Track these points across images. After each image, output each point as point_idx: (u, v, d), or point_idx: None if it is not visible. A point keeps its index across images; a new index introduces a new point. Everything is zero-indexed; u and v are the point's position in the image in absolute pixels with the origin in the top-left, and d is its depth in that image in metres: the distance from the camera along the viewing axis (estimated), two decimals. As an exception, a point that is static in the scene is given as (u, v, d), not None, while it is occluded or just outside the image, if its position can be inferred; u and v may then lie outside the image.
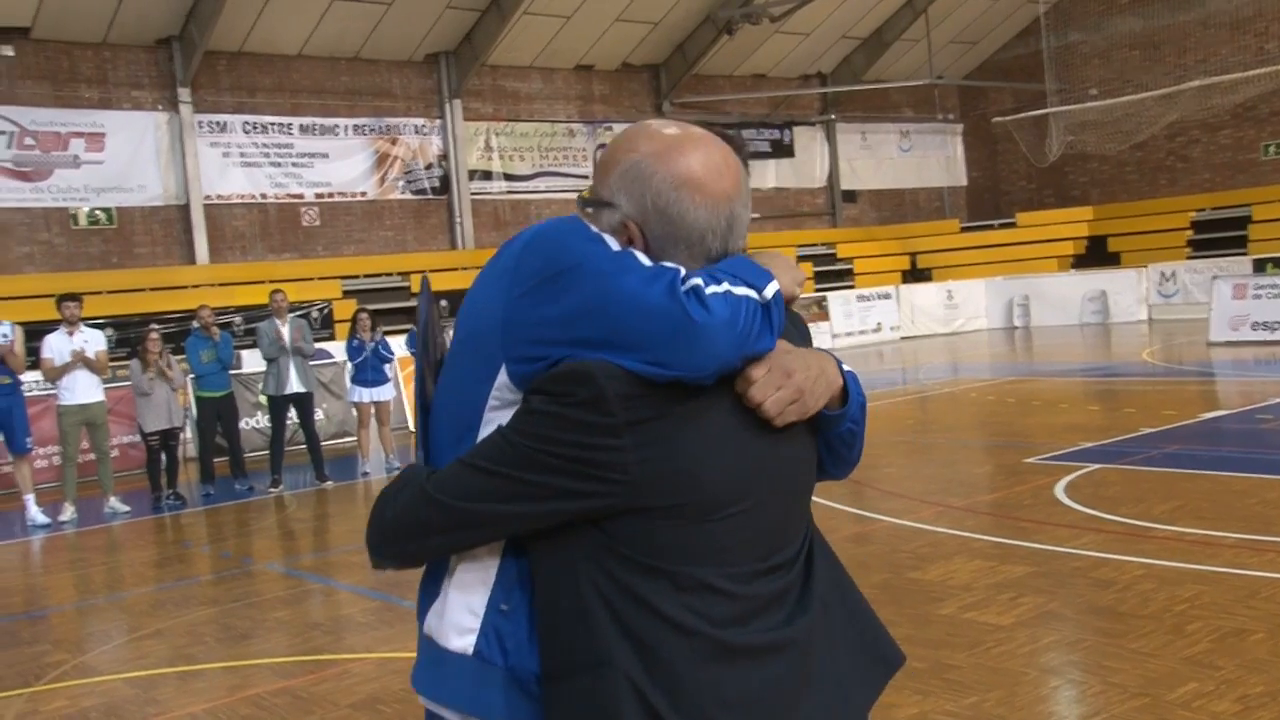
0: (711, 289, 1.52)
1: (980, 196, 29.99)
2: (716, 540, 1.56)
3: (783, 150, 26.72)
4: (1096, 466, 8.72)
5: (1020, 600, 5.57)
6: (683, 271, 1.54)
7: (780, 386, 1.58)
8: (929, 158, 29.43)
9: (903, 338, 24.29)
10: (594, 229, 1.62)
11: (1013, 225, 26.91)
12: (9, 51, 17.25)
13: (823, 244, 26.27)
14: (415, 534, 1.63)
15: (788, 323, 1.72)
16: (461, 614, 1.66)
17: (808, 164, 27.23)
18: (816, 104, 27.47)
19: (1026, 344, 21.46)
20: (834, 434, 1.73)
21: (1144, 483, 8.05)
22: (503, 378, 1.60)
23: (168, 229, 18.64)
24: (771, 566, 1.62)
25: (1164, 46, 25.26)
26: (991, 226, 27.41)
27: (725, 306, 1.51)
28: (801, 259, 24.95)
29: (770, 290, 1.57)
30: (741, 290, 1.54)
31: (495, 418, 1.61)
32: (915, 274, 26.49)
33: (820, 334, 23.23)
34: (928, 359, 20.07)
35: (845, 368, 1.74)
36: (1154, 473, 8.39)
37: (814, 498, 6.39)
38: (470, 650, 1.65)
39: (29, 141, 17.35)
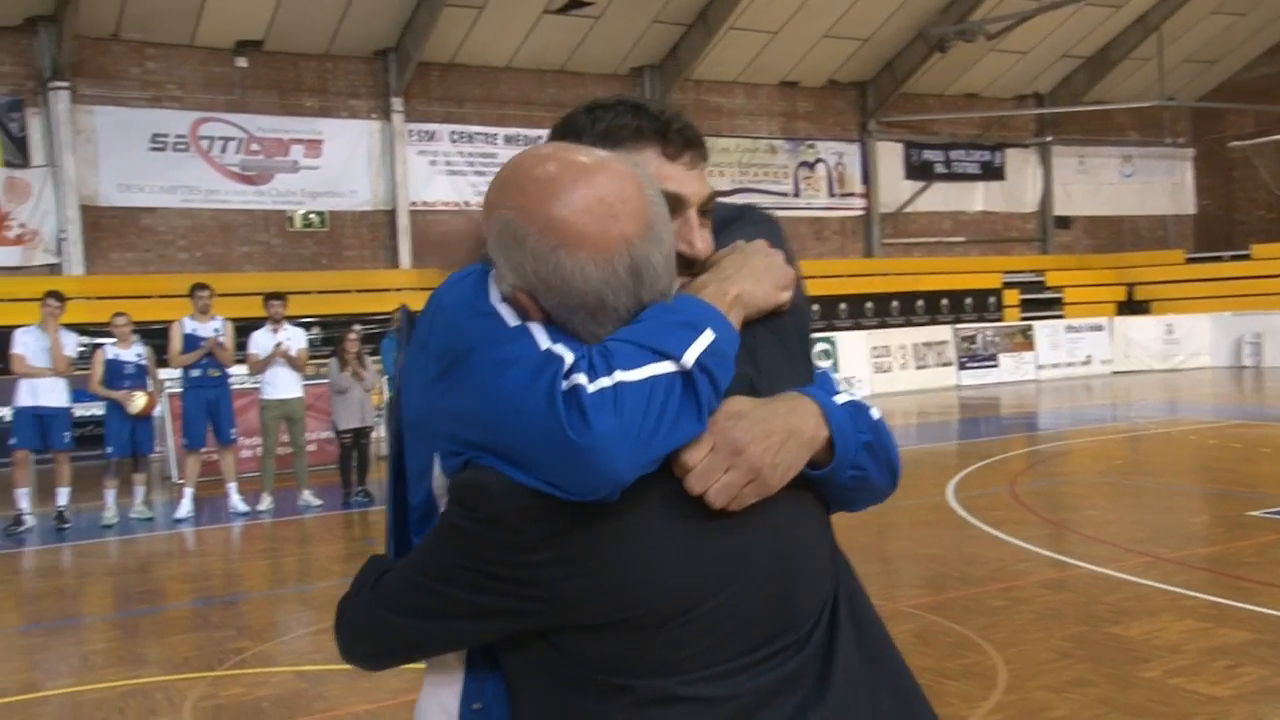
0: (597, 385, 1.21)
1: (1210, 226, 28.11)
2: (680, 647, 1.29)
3: (992, 173, 25.77)
4: (1334, 525, 7.88)
5: (1240, 670, 4.99)
6: (567, 361, 1.24)
7: (729, 468, 1.28)
8: (1153, 184, 27.82)
9: (1114, 372, 22.96)
10: (492, 297, 1.36)
11: (1246, 258, 25.05)
12: (243, 63, 18.31)
13: (1031, 271, 25.14)
14: (371, 646, 1.48)
15: (770, 336, 1.41)
16: (435, 714, 1.48)
17: (1019, 187, 26.17)
18: (1031, 125, 26.37)
19: (1257, 385, 19.91)
20: (832, 488, 1.42)
21: (1391, 547, 7.20)
22: (438, 468, 1.38)
23: (374, 233, 19.40)
24: (772, 653, 1.33)
25: None
26: (1222, 258, 25.61)
27: (610, 414, 1.20)
28: (1008, 286, 23.97)
29: (696, 349, 1.25)
30: (644, 371, 1.23)
31: (444, 505, 1.40)
32: (1131, 306, 25.03)
33: (1024, 364, 22.22)
34: (1141, 396, 18.86)
35: (838, 399, 1.41)
36: (1403, 536, 7.50)
37: (1004, 536, 5.81)
38: None
39: (255, 147, 18.36)
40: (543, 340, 1.28)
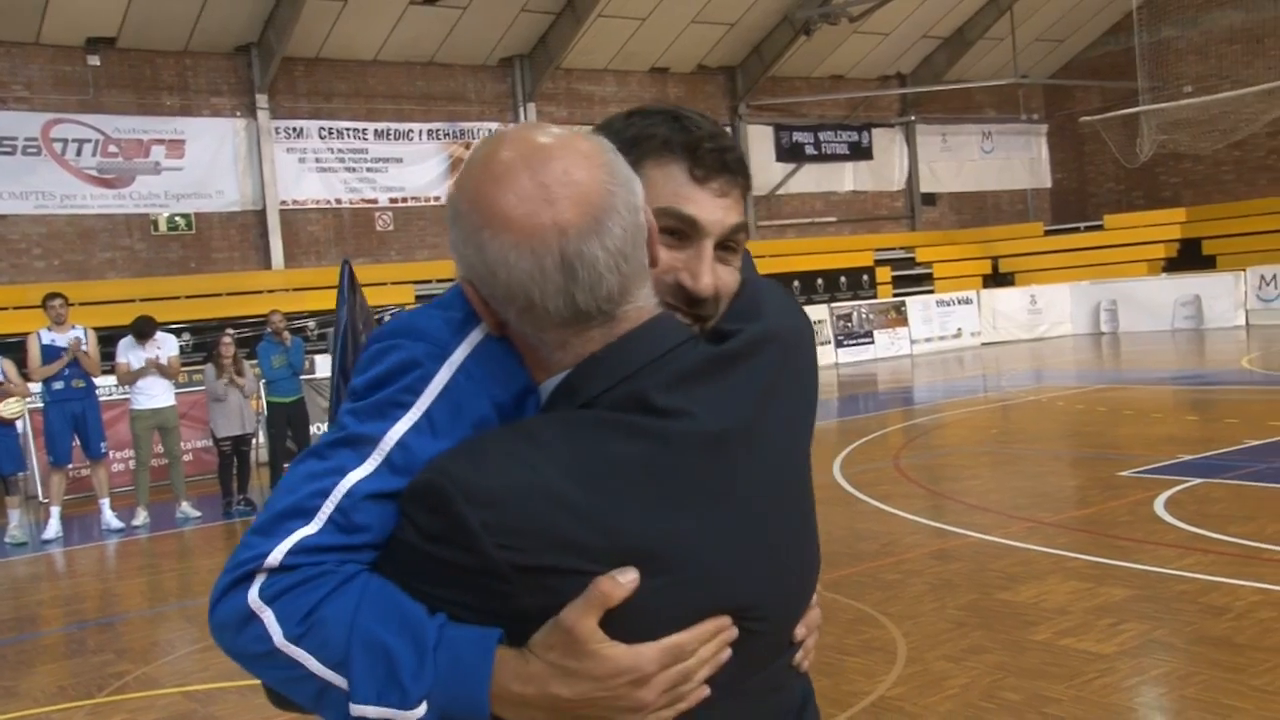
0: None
1: (1065, 199, 29.18)
2: None
3: (860, 153, 26.26)
4: (1199, 481, 8.23)
5: (1122, 627, 5.19)
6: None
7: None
8: (1012, 159, 28.73)
9: (984, 343, 23.70)
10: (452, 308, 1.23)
11: (1100, 228, 26.10)
12: (95, 61, 17.52)
13: (901, 248, 25.75)
14: None
15: None
16: None
17: (886, 166, 26.73)
18: (896, 105, 26.95)
19: (1115, 350, 20.76)
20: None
21: (1254, 499, 7.56)
22: None
23: (244, 234, 18.80)
24: (762, 684, 1.27)
25: (1267, 40, 24.25)
26: (1078, 229, 26.61)
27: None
28: (880, 264, 24.53)
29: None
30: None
31: None
32: (997, 278, 25.85)
33: (898, 340, 22.76)
34: (1010, 365, 19.49)
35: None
36: (1264, 488, 7.88)
37: (892, 509, 5.91)
38: None
39: (112, 149, 17.59)
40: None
